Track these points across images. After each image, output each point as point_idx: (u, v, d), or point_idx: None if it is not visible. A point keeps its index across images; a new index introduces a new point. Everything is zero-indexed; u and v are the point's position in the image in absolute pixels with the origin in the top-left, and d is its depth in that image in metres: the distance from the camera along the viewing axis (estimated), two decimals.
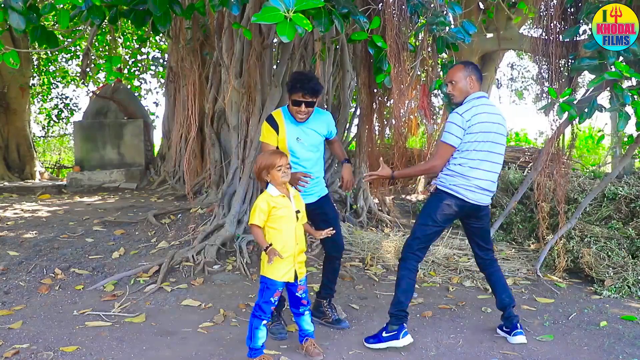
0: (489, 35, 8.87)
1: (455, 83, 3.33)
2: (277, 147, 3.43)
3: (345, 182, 3.60)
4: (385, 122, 6.91)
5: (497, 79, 12.76)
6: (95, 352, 3.17)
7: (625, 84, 4.08)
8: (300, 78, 3.38)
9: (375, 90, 6.30)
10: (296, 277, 3.05)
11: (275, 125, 3.45)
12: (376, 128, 6.57)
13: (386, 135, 7.40)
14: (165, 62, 11.35)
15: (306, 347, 3.13)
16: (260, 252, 3.16)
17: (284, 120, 3.46)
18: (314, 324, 3.56)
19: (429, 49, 4.49)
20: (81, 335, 3.43)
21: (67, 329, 3.52)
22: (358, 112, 7.00)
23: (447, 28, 3.74)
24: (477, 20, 7.73)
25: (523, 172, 7.38)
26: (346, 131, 7.32)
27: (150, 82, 19.44)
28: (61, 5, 3.58)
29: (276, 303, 3.06)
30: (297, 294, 3.09)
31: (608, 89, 4.23)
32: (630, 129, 4.83)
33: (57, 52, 12.56)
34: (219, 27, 6.10)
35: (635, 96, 4.01)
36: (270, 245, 2.93)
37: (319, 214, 3.56)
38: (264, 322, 2.99)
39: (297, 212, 3.06)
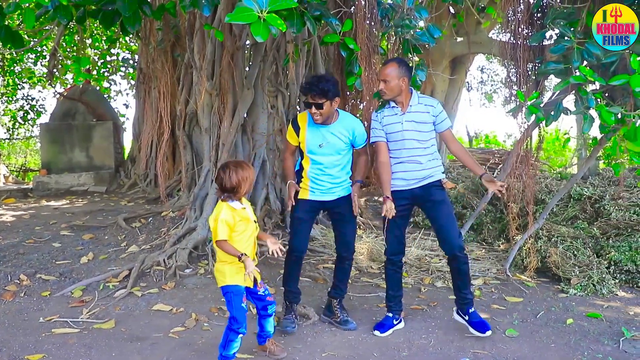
0: (460, 39, 9.02)
1: (388, 82, 3.42)
2: (299, 146, 3.60)
3: (353, 203, 3.57)
4: None
5: (468, 82, 12.96)
6: None
7: (590, 87, 4.18)
8: (310, 80, 3.48)
9: (347, 93, 6.33)
10: (255, 281, 3.06)
11: (296, 128, 3.57)
12: None
13: None
14: (135, 64, 11.18)
15: (269, 348, 3.15)
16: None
17: (307, 124, 3.55)
18: (324, 322, 3.68)
19: (399, 52, 4.54)
20: (47, 342, 3.34)
21: (33, 337, 3.43)
22: None
23: (412, 31, 3.79)
24: (448, 24, 7.85)
25: (493, 174, 7.51)
26: None
27: (120, 84, 19.08)
28: (26, 5, 3.49)
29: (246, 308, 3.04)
30: (259, 292, 3.09)
31: (573, 92, 4.34)
32: (594, 131, 4.97)
33: (22, 53, 12.23)
34: (191, 28, 6.06)
35: (599, 99, 4.12)
36: (244, 254, 2.88)
37: (336, 213, 3.64)
38: (241, 335, 2.97)
39: (255, 221, 3.06)
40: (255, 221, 3.06)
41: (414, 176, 3.47)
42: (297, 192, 3.59)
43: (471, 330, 3.48)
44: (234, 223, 2.91)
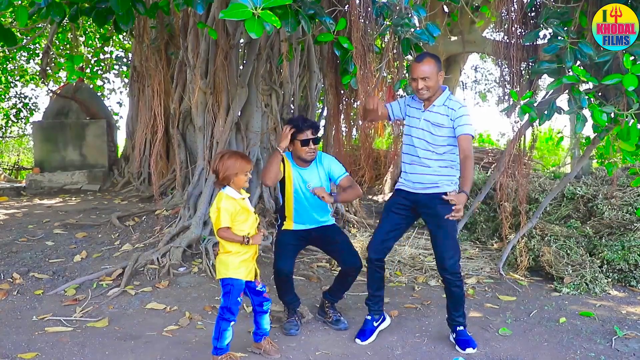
0: (454, 38, 9.05)
1: (428, 79, 3.17)
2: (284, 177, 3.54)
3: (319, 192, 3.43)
4: (352, 123, 6.95)
5: (462, 81, 13.01)
6: (55, 359, 3.09)
7: (583, 87, 4.20)
8: (302, 119, 3.56)
9: (342, 92, 6.33)
10: (255, 275, 3.11)
11: (282, 160, 3.53)
12: (343, 129, 6.60)
13: (353, 136, 7.45)
14: (129, 62, 11.13)
15: (264, 347, 3.16)
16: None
17: (290, 162, 3.55)
18: (318, 321, 3.68)
19: (395, 51, 4.55)
20: (41, 341, 3.33)
21: (26, 335, 3.42)
22: (325, 113, 7.02)
23: (412, 30, 3.79)
24: (442, 23, 7.86)
25: (486, 173, 7.55)
26: None
27: (113, 82, 18.98)
28: (19, 2, 3.48)
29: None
30: (257, 288, 3.11)
31: (566, 91, 4.36)
32: (587, 130, 4.99)
33: (15, 50, 12.15)
34: (184, 26, 6.04)
35: (592, 99, 4.14)
36: (247, 235, 2.96)
37: (325, 236, 3.65)
38: (232, 323, 2.99)
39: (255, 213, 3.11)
40: (255, 212, 3.10)
41: (419, 180, 3.28)
42: (282, 223, 3.64)
43: (457, 347, 3.27)
44: (235, 212, 2.94)
